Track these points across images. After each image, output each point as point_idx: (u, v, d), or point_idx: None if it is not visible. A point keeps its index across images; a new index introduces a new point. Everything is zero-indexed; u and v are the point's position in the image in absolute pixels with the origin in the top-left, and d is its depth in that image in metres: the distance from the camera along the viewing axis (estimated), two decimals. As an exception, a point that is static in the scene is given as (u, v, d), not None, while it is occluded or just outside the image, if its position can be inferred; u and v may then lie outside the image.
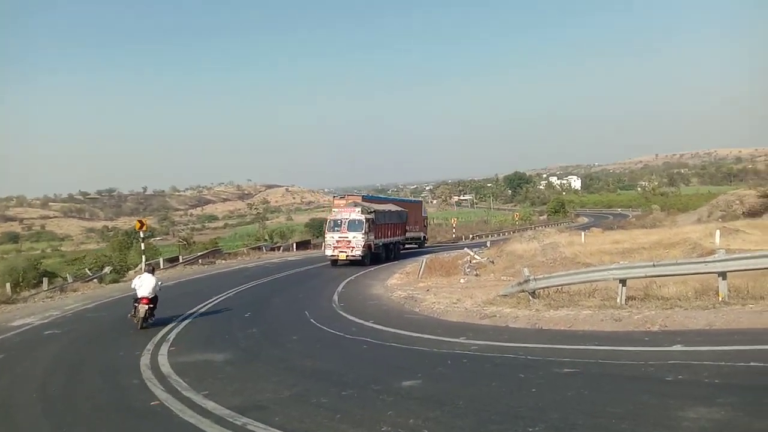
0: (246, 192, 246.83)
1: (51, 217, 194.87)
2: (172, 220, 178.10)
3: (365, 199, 41.78)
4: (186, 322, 14.96)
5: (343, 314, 14.73)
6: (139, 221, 30.98)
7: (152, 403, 7.36)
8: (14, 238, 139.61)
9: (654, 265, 11.25)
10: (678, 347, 7.36)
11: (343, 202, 42.69)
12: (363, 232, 30.75)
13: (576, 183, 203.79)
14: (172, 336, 13.00)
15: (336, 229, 31.42)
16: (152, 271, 15.60)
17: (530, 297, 13.47)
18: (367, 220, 31.37)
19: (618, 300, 11.67)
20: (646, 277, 11.74)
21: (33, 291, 23.06)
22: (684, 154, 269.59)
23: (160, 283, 15.06)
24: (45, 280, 23.60)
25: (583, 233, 29.27)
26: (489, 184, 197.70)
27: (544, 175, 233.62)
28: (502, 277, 21.00)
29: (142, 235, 31.65)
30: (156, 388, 8.14)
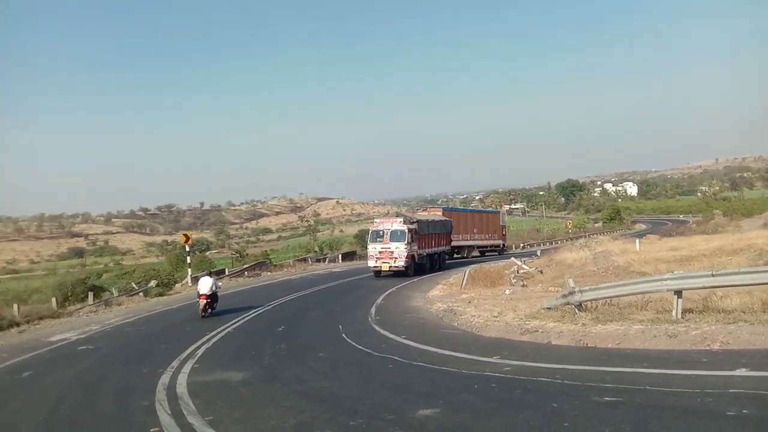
0: (298, 205, 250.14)
1: (114, 233, 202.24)
2: (227, 233, 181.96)
3: (445, 211, 46.41)
4: (219, 336, 14.61)
5: (377, 329, 14.03)
6: (185, 235, 31.28)
7: (152, 430, 6.84)
8: (80, 253, 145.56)
9: (713, 275, 10.06)
10: (742, 371, 6.31)
11: (425, 213, 45.08)
12: (406, 242, 30.10)
13: (632, 189, 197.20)
14: (200, 351, 12.64)
15: (378, 239, 30.89)
16: (210, 275, 21.77)
17: (576, 310, 12.44)
18: (410, 230, 30.71)
19: (673, 313, 10.53)
20: (704, 288, 10.57)
21: (79, 305, 23.34)
22: (746, 157, 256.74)
23: (219, 284, 20.14)
24: (90, 294, 23.83)
25: (638, 240, 27.61)
26: (541, 192, 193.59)
27: (599, 182, 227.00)
28: (549, 288, 19.87)
29: (188, 248, 31.87)
30: (162, 413, 7.64)
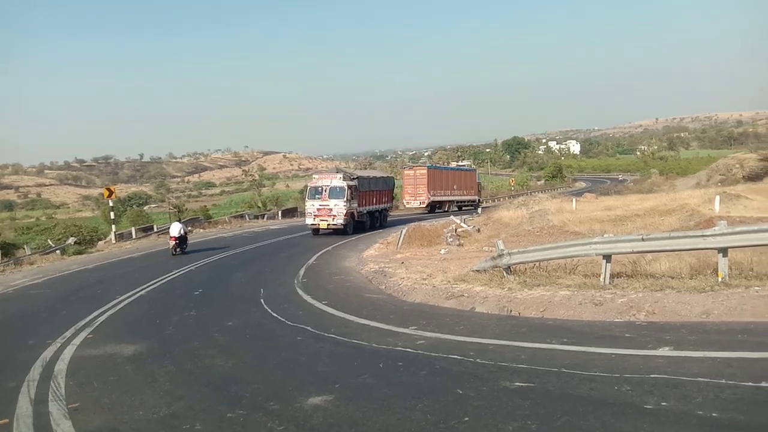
0: (243, 159, 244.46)
1: (47, 185, 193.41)
2: (168, 187, 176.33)
3: (429, 169, 48.33)
4: (129, 300, 13.53)
5: (300, 293, 13.17)
6: (108, 189, 29.44)
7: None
8: (9, 206, 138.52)
9: (643, 239, 9.62)
10: (665, 351, 5.78)
11: (411, 171, 48.36)
12: (345, 199, 29.26)
13: (575, 148, 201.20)
14: (102, 318, 11.58)
15: (317, 196, 29.95)
16: (179, 220, 26.46)
17: (504, 273, 11.92)
18: (350, 186, 29.85)
19: (601, 278, 10.09)
20: (633, 252, 10.15)
21: (-16, 264, 21.58)
22: (684, 117, 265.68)
23: (188, 228, 25.57)
24: (-2, 252, 22.07)
25: (574, 199, 27.56)
26: (488, 150, 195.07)
27: (544, 140, 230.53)
28: (484, 248, 19.44)
29: (111, 203, 30.03)
30: (25, 397, 6.61)
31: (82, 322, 11.16)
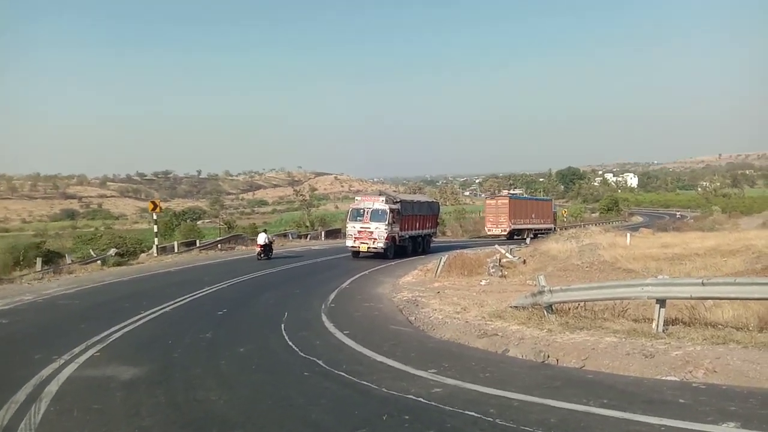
0: (296, 179, 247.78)
1: (108, 197, 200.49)
2: (222, 203, 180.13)
3: (511, 198, 51.77)
4: (151, 317, 13.08)
5: (324, 319, 12.40)
6: (152, 202, 29.67)
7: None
8: (71, 215, 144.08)
9: (703, 284, 8.43)
10: (730, 428, 4.70)
11: (493, 201, 52.43)
12: (386, 223, 28.59)
13: (633, 181, 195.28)
14: (117, 335, 11.12)
15: (358, 218, 29.42)
16: (265, 231, 30.11)
17: (545, 312, 10.85)
18: (392, 210, 29.16)
19: (654, 325, 8.93)
20: (692, 298, 8.96)
21: (26, 271, 21.74)
22: (750, 154, 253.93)
23: (272, 238, 30.27)
24: (39, 260, 22.19)
25: (628, 234, 25.96)
26: (541, 179, 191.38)
27: (600, 172, 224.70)
28: (527, 281, 18.27)
29: (155, 216, 30.22)
30: (-4, 425, 6.07)
31: (96, 338, 10.72)
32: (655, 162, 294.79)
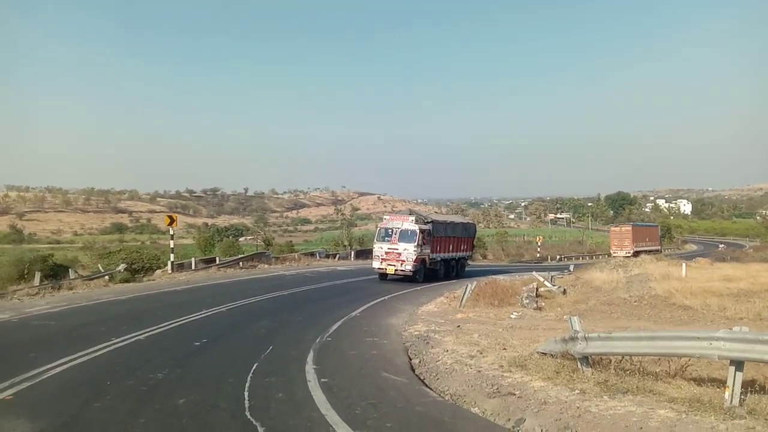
0: (339, 198, 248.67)
1: (157, 212, 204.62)
2: (266, 221, 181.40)
3: (634, 226, 64.79)
4: (114, 347, 11.26)
5: (308, 360, 10.16)
6: (169, 216, 28.30)
7: None
8: (121, 229, 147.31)
9: (804, 343, 5.96)
10: None
11: (617, 229, 65.02)
12: (416, 244, 26.53)
13: (686, 207, 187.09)
14: (56, 371, 9.35)
15: (386, 239, 27.48)
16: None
17: (579, 364, 8.46)
18: (422, 231, 27.08)
19: (727, 395, 6.46)
20: (785, 361, 6.46)
21: (21, 286, 20.42)
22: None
23: None
24: (37, 274, 20.85)
25: (684, 264, 22.94)
26: (589, 204, 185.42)
27: (651, 198, 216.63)
28: (565, 317, 15.71)
29: (171, 231, 28.83)
30: None
31: (32, 373, 9.02)
32: (710, 189, 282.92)
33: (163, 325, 13.70)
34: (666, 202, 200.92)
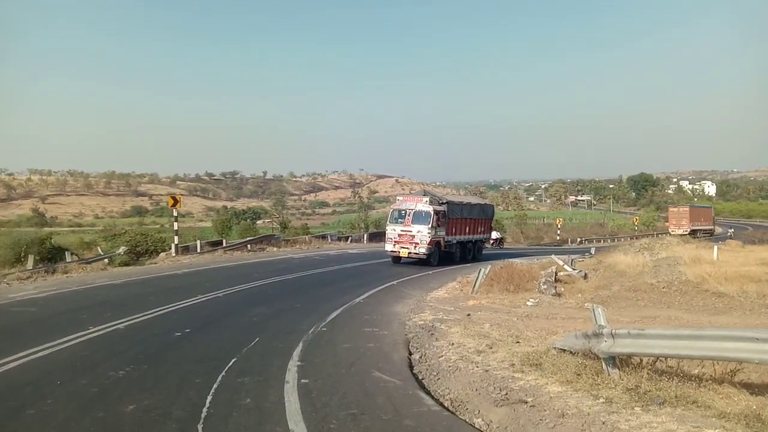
0: (357, 181, 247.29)
1: (177, 195, 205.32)
2: (284, 204, 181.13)
3: (691, 207, 70.96)
4: (89, 337, 10.27)
5: (293, 356, 8.89)
6: (172, 197, 27.31)
7: None
8: (141, 212, 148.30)
9: None
10: None
11: (675, 209, 70.53)
12: (430, 226, 25.33)
13: (710, 189, 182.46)
14: (18, 363, 8.36)
15: (399, 221, 26.30)
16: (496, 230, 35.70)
17: (604, 365, 7.14)
18: (437, 212, 25.83)
19: (793, 410, 5.13)
20: None
21: (13, 270, 19.56)
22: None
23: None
24: (30, 257, 19.99)
25: (715, 247, 21.35)
26: (611, 186, 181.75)
27: (674, 179, 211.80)
28: (586, 304, 14.34)
29: (175, 213, 27.87)
30: None
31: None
32: (735, 170, 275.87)
33: (149, 312, 12.68)
34: (689, 183, 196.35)
